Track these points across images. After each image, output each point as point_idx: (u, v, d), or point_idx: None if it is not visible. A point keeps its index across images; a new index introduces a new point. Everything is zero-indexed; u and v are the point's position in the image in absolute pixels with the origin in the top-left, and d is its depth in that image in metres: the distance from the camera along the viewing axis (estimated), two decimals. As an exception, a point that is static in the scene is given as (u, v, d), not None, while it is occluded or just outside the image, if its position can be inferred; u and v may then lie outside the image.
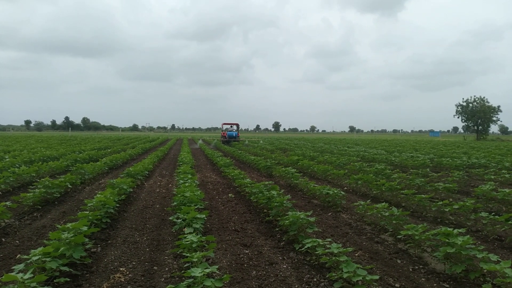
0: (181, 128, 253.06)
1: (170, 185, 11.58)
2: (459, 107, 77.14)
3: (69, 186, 9.74)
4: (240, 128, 42.88)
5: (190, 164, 14.70)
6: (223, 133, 40.60)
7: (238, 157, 21.18)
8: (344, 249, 4.45)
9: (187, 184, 8.71)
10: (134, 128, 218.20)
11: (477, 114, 74.51)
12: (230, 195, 9.95)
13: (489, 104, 74.44)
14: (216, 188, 11.13)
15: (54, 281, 4.12)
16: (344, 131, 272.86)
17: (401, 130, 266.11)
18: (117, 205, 7.48)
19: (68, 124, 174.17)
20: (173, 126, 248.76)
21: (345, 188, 11.11)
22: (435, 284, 4.36)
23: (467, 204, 6.94)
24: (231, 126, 41.64)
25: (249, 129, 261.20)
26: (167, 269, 4.75)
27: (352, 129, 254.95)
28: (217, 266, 3.88)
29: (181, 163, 15.34)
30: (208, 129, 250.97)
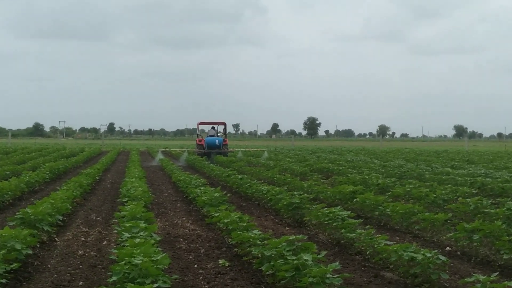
0: (126, 131, 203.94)
1: (105, 243, 9.80)
2: None
3: None
4: (243, 131, 39.91)
5: (145, 201, 12.68)
6: (200, 140, 34.87)
7: (237, 187, 18.07)
8: None
9: (137, 241, 7.53)
10: (37, 130, 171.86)
11: None
12: (221, 261, 8.42)
13: None
14: (194, 249, 9.40)
15: None
16: (446, 136, 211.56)
17: None
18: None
19: None
20: (111, 127, 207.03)
21: (448, 248, 9.65)
22: None
23: None
24: (213, 128, 35.43)
25: (260, 133, 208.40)
26: None
27: (460, 132, 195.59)
28: None
29: (127, 198, 13.23)
30: (179, 133, 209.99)
